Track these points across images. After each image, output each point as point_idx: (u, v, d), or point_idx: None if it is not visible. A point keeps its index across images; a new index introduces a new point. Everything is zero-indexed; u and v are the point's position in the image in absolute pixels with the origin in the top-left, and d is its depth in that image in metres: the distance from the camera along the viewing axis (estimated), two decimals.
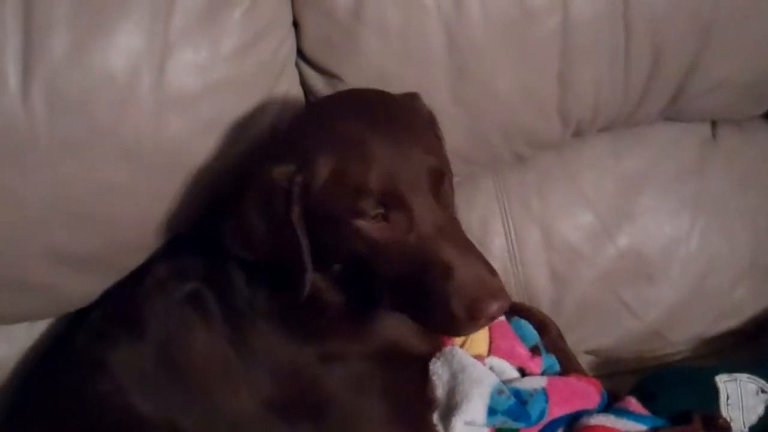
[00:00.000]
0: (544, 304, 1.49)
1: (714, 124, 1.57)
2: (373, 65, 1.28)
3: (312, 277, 1.11)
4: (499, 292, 1.04)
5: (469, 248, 1.07)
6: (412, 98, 1.19)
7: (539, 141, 1.43)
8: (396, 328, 1.23)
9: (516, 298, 1.47)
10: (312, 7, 1.27)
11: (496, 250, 1.50)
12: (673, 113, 1.49)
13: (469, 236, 1.10)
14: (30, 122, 1.13)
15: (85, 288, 1.29)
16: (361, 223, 1.07)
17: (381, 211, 1.06)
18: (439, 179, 1.09)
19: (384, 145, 1.07)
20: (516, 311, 1.41)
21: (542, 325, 1.41)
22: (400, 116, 1.12)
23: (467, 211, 1.46)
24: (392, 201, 1.05)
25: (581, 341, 1.49)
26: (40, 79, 1.13)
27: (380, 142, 1.07)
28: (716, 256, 1.53)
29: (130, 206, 1.22)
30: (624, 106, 1.42)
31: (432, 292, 1.05)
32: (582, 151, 1.49)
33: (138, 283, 1.26)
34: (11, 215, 1.18)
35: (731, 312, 1.55)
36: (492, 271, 1.06)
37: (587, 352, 1.50)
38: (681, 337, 1.53)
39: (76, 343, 1.26)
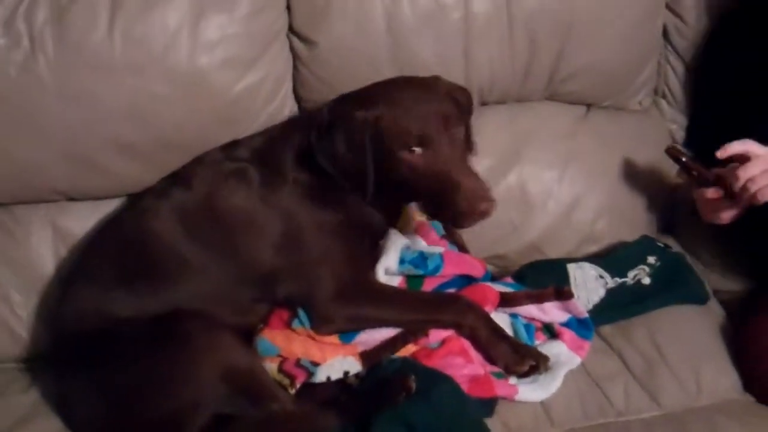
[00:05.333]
0: None
1: (588, 107, 2.17)
2: (336, 36, 1.91)
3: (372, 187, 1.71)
4: (489, 197, 1.64)
5: (471, 171, 1.68)
6: (436, 78, 1.80)
7: None
8: (370, 211, 1.83)
9: None
10: None
11: None
12: (552, 93, 2.09)
13: None
14: (110, 47, 1.79)
15: (135, 174, 1.89)
16: (405, 154, 1.68)
17: (417, 146, 1.67)
18: (451, 123, 1.70)
19: (419, 106, 1.69)
20: None
21: (448, 228, 2.00)
22: (428, 88, 1.74)
23: None
24: (424, 140, 1.67)
25: (481, 250, 2.02)
26: (121, 21, 1.79)
27: (417, 103, 1.70)
28: (581, 197, 2.09)
29: (170, 112, 1.85)
30: (513, 82, 2.03)
31: (447, 199, 1.65)
32: (486, 115, 2.07)
33: (195, 161, 1.86)
34: (89, 110, 1.81)
35: (593, 240, 2.10)
36: (485, 187, 1.66)
37: (486, 259, 2.04)
38: (554, 254, 2.07)
39: (138, 200, 1.86)
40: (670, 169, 2.17)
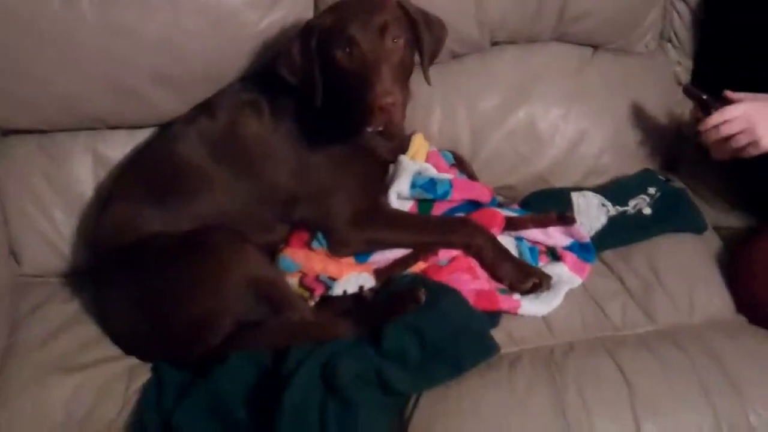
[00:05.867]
0: (465, 153, 2.18)
1: (595, 49, 2.28)
2: None
3: (321, 92, 1.85)
4: (392, 91, 1.75)
5: (387, 76, 1.77)
6: None
7: (466, 41, 2.15)
8: (374, 141, 1.98)
9: (446, 147, 2.16)
10: None
11: (435, 120, 2.19)
12: (560, 34, 2.21)
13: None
14: None
15: (169, 104, 2.04)
16: (339, 53, 1.81)
17: (348, 48, 1.80)
18: (388, 33, 1.81)
19: (358, 14, 1.82)
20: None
21: (459, 159, 2.13)
22: (375, 3, 1.86)
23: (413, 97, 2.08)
24: (353, 42, 1.80)
25: (491, 180, 2.15)
26: None
27: (356, 12, 1.83)
28: (586, 132, 2.21)
29: (201, 46, 1.99)
30: (522, 22, 2.15)
31: (361, 96, 1.77)
32: (496, 54, 2.20)
33: (219, 92, 2.01)
34: (127, 43, 1.96)
35: (597, 172, 2.22)
36: (392, 85, 1.76)
37: (495, 189, 2.15)
38: (559, 185, 2.19)
39: (168, 127, 2.02)
40: (674, 108, 2.28)
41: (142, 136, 2.09)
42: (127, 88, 2.00)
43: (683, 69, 2.35)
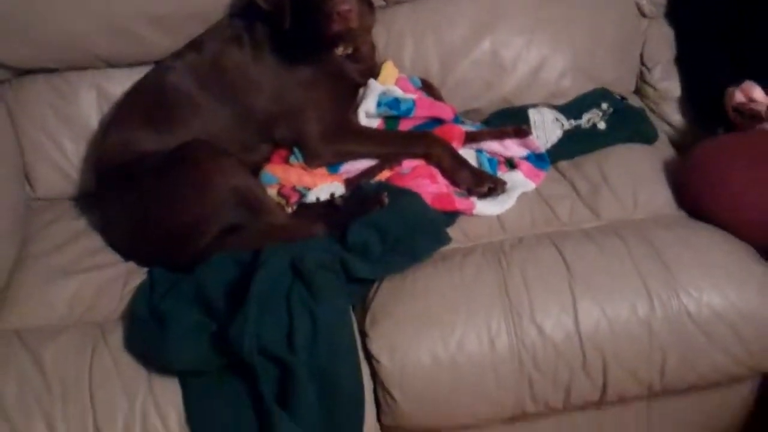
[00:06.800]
0: (435, 81, 2.36)
1: None
2: None
3: (290, 15, 2.05)
4: (346, 2, 1.95)
5: None
6: None
7: None
8: (345, 65, 2.19)
9: (415, 74, 2.35)
10: None
11: (407, 51, 2.38)
12: None
13: None
14: None
15: (165, 42, 2.25)
16: None
17: None
18: None
19: None
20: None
21: (428, 84, 2.32)
22: None
23: (387, 30, 2.37)
24: None
25: (459, 105, 2.32)
26: None
27: None
28: (547, 58, 2.37)
29: None
30: None
31: (323, 7, 1.97)
32: None
33: (207, 30, 2.23)
34: None
35: (559, 95, 2.36)
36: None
37: (462, 113, 2.34)
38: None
39: (160, 62, 2.25)
40: (634, 37, 2.45)
41: (141, 73, 2.30)
42: (125, 28, 2.23)
43: (648, 1, 2.47)
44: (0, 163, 2.19)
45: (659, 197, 2.05)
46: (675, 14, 2.46)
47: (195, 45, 2.22)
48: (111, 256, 2.08)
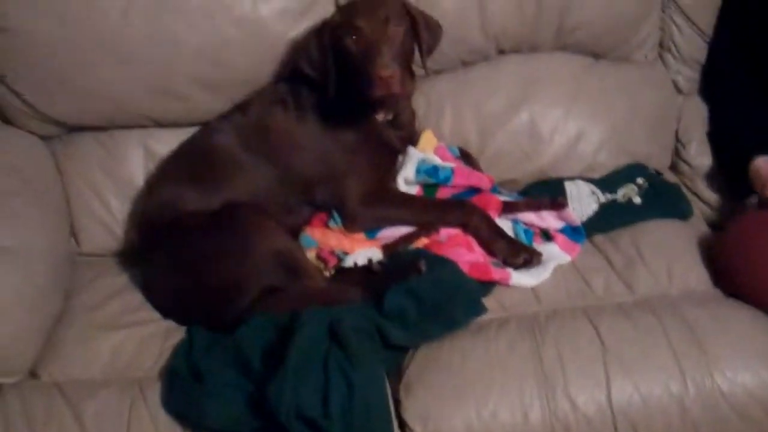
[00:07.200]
0: (473, 151, 2.41)
1: (596, 58, 2.49)
2: None
3: (335, 82, 2.12)
4: (391, 66, 2.02)
5: (387, 56, 2.03)
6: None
7: (473, 50, 2.40)
8: (386, 132, 2.25)
9: (454, 143, 2.40)
10: None
11: (446, 120, 2.44)
12: (561, 44, 2.43)
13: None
14: None
15: (211, 104, 2.33)
16: (348, 40, 2.09)
17: (354, 35, 2.08)
18: (390, 23, 2.08)
19: (364, 9, 2.11)
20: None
21: (466, 153, 2.37)
22: (378, 1, 2.13)
23: (426, 99, 2.44)
24: (358, 30, 2.07)
25: (496, 176, 2.35)
26: None
27: (362, 7, 2.12)
28: (584, 131, 2.41)
29: (237, 53, 2.28)
30: (523, 32, 2.38)
31: (364, 71, 2.04)
32: (502, 62, 2.44)
33: (252, 93, 2.30)
34: (174, 51, 2.26)
35: (595, 168, 2.40)
36: (389, 63, 2.02)
37: (499, 183, 2.38)
38: None
39: (207, 123, 2.32)
40: (672, 113, 2.50)
41: (187, 133, 2.37)
42: (171, 90, 2.30)
43: (683, 78, 2.53)
44: (49, 217, 2.24)
45: (693, 273, 2.07)
46: (707, 89, 2.51)
47: (241, 107, 2.28)
48: (152, 312, 2.11)
